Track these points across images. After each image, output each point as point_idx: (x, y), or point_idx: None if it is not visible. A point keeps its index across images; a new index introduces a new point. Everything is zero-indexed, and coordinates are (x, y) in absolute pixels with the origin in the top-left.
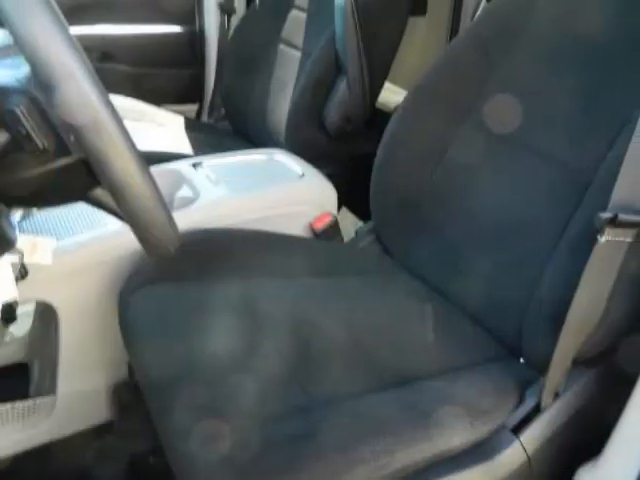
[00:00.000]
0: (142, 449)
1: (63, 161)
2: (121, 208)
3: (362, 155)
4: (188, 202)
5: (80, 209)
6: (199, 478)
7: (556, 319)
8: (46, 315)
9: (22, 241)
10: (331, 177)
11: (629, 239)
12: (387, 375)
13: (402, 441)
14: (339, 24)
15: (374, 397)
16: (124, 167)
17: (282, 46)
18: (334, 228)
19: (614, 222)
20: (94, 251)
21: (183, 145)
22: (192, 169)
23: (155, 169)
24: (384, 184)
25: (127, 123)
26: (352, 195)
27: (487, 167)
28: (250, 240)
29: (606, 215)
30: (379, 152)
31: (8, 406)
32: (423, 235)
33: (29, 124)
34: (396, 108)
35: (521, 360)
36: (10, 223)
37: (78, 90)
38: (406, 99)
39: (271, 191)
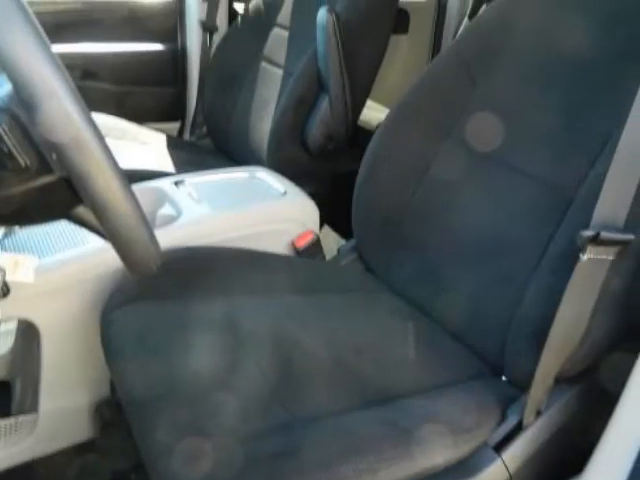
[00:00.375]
0: (124, 467)
1: (45, 179)
2: (103, 226)
3: (344, 173)
4: (170, 220)
5: (62, 227)
6: None
7: (538, 337)
8: (28, 333)
9: (4, 259)
10: (313, 195)
11: (611, 257)
12: (369, 393)
13: (384, 459)
14: (321, 42)
15: (356, 415)
16: (106, 185)
17: (264, 64)
18: (316, 246)
19: (596, 240)
20: (76, 269)
21: (165, 163)
22: (174, 187)
23: (137, 187)
24: (366, 202)
25: (109, 141)
26: (334, 213)
27: (469, 185)
28: (232, 258)
29: (588, 233)
30: (361, 170)
31: None
32: (405, 253)
33: (11, 142)
34: (378, 126)
35: (503, 378)
36: None
37: (60, 108)
38: (388, 117)
39: (253, 209)
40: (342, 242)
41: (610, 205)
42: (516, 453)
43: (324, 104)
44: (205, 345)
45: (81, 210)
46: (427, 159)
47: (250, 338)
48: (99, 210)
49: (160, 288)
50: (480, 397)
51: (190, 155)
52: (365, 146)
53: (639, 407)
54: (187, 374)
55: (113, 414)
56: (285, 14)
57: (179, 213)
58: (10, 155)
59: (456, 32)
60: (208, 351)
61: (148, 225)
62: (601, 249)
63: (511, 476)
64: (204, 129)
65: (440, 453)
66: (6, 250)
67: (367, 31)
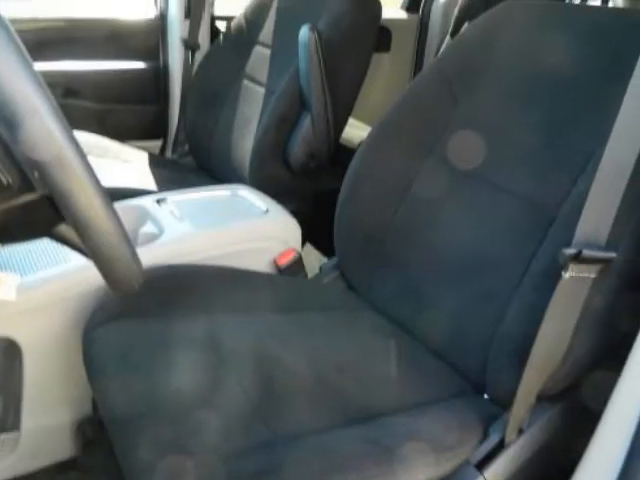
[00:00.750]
0: None
1: (27, 197)
2: (85, 244)
3: (326, 191)
4: (152, 238)
5: (44, 245)
6: None
7: (520, 355)
8: (10, 351)
9: None
10: (295, 213)
11: (593, 275)
12: (351, 411)
13: (366, 477)
14: (303, 60)
15: (338, 433)
16: (88, 203)
17: (246, 82)
18: (298, 264)
19: (578, 258)
20: (58, 287)
21: (147, 181)
22: (156, 205)
23: (119, 205)
24: (348, 220)
25: (91, 159)
26: (316, 231)
27: (451, 203)
28: (214, 276)
29: (570, 251)
30: (343, 188)
31: None
32: (387, 271)
33: None
34: (360, 144)
35: (485, 396)
36: None
37: (42, 126)
38: (370, 135)
39: (235, 227)
40: (324, 260)
41: (592, 223)
42: (498, 471)
43: (306, 122)
44: (187, 363)
45: (63, 228)
46: (409, 177)
47: (232, 356)
48: (81, 228)
49: (142, 306)
50: (462, 415)
51: (172, 173)
52: (347, 164)
53: (621, 425)
54: (169, 392)
55: (95, 432)
56: (267, 32)
57: (161, 231)
58: None
59: (438, 50)
60: (190, 369)
61: (130, 243)
62: (583, 267)
63: None
64: (186, 147)
65: (422, 471)
66: None
67: (349, 49)
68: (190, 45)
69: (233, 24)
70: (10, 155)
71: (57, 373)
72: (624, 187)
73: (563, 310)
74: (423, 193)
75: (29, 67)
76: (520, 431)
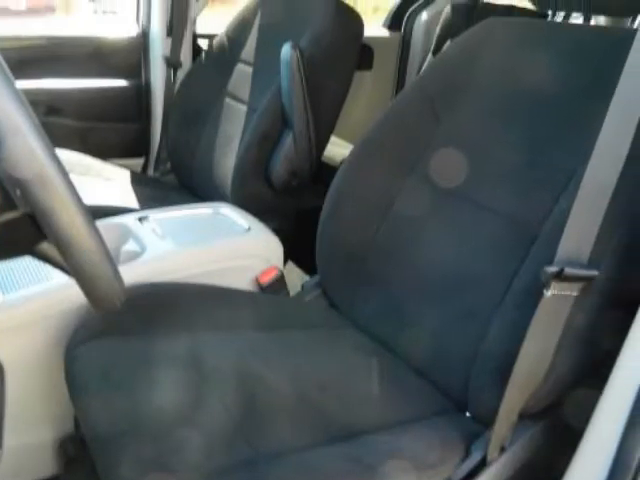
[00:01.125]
0: None
1: (9, 215)
2: (67, 262)
3: (308, 209)
4: (134, 256)
5: (26, 263)
6: None
7: (502, 373)
8: None
9: None
10: (277, 231)
11: (575, 293)
12: (333, 429)
13: None
14: (285, 78)
15: (320, 451)
16: (70, 221)
17: (228, 100)
18: (280, 282)
19: (560, 276)
20: (40, 305)
21: (129, 199)
22: (138, 223)
23: (101, 223)
24: (330, 238)
25: (73, 177)
26: (298, 249)
27: (433, 221)
28: (196, 294)
29: (552, 269)
30: (325, 206)
31: None
32: (369, 289)
33: None
34: (342, 162)
35: (467, 414)
36: None
37: (24, 144)
38: (352, 153)
39: (217, 245)
40: (306, 278)
41: (574, 241)
42: None
43: (288, 140)
44: (169, 381)
45: (45, 246)
46: (391, 195)
47: (214, 374)
48: (63, 246)
49: (124, 324)
50: (444, 433)
51: (154, 191)
52: (329, 182)
53: (603, 443)
54: (151, 410)
55: (77, 450)
56: (249, 50)
57: (143, 249)
58: None
59: (420, 68)
60: (172, 387)
61: (112, 261)
62: (565, 285)
63: None
64: (168, 165)
65: None
66: None
67: (331, 67)
68: (172, 63)
69: (215, 42)
70: None
71: (39, 391)
72: (606, 205)
73: (545, 328)
74: (405, 211)
75: (11, 85)
76: (502, 449)
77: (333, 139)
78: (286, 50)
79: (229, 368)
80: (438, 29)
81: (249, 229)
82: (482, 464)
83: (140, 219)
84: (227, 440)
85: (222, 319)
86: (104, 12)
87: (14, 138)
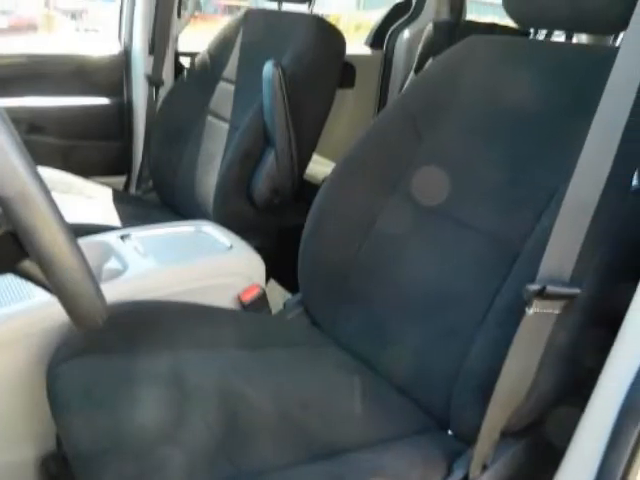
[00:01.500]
0: None
1: None
2: (49, 280)
3: (290, 227)
4: (116, 274)
5: (8, 281)
6: None
7: (484, 391)
8: None
9: None
10: (259, 249)
11: (557, 311)
12: (315, 447)
13: None
14: (267, 96)
15: (302, 469)
16: (52, 239)
17: (210, 118)
18: (262, 300)
19: (542, 294)
20: (22, 323)
21: (111, 217)
22: (120, 241)
23: (83, 241)
24: (312, 256)
25: (55, 195)
26: (280, 267)
27: (415, 239)
28: (178, 312)
29: (534, 287)
30: (307, 224)
31: None
32: (351, 307)
33: None
34: (324, 180)
35: (449, 432)
36: None
37: (6, 162)
38: (334, 171)
39: (199, 263)
40: (288, 296)
41: (556, 259)
42: None
43: (270, 158)
44: (151, 399)
45: (27, 264)
46: (373, 213)
47: (196, 392)
48: (45, 264)
49: (106, 342)
50: (426, 451)
51: (136, 209)
52: (311, 200)
53: (585, 461)
54: (133, 428)
55: (59, 468)
56: (231, 68)
57: (125, 267)
58: None
59: (402, 86)
60: (154, 405)
61: (94, 279)
62: (547, 303)
63: None
64: (150, 183)
65: None
66: None
67: (313, 85)
68: (154, 81)
69: (197, 60)
70: None
71: (21, 409)
72: (588, 223)
73: (527, 346)
74: (387, 229)
75: None
76: (484, 467)
77: (315, 157)
78: (268, 68)
79: (211, 386)
80: (420, 47)
81: (231, 247)
82: None
83: (122, 237)
84: (209, 458)
85: (204, 337)
86: (86, 30)
87: None
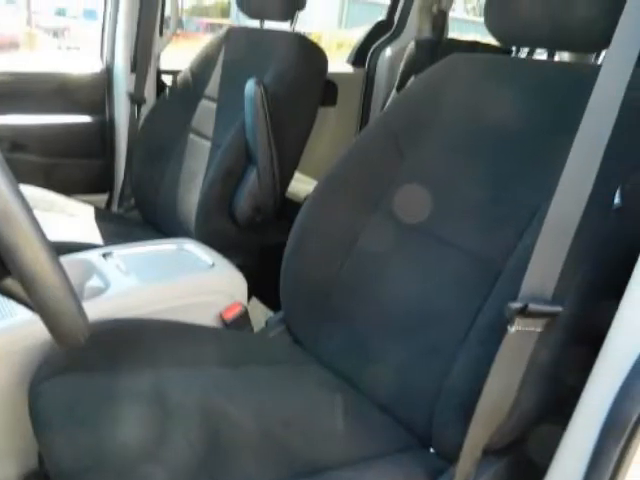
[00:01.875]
0: None
1: None
2: (31, 298)
3: (272, 245)
4: (98, 292)
5: None
6: None
7: (466, 409)
8: None
9: None
10: (241, 267)
11: (539, 329)
12: (297, 465)
13: None
14: (249, 114)
15: None
16: (34, 257)
17: (192, 136)
18: (244, 318)
19: (524, 312)
20: (4, 341)
21: (93, 235)
22: (102, 259)
23: (65, 259)
24: (294, 274)
25: (37, 213)
26: (262, 285)
27: (397, 257)
28: (160, 330)
29: (516, 305)
30: (289, 242)
31: None
32: (333, 325)
33: None
34: (306, 198)
35: (431, 450)
36: None
37: None
38: (316, 189)
39: (181, 281)
40: (270, 314)
41: (538, 277)
42: None
43: (252, 176)
44: (133, 417)
45: (9, 282)
46: (355, 231)
47: (178, 410)
48: (27, 282)
49: (88, 360)
50: (408, 469)
51: (118, 227)
52: (293, 218)
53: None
54: (115, 446)
55: None
56: (213, 86)
57: (107, 285)
58: None
59: (384, 104)
60: (136, 423)
61: (76, 297)
62: (529, 321)
63: None
64: (132, 201)
65: None
66: None
67: (295, 103)
68: (136, 99)
69: (179, 78)
70: None
71: (3, 427)
72: (570, 241)
73: (509, 364)
74: (369, 247)
75: None
76: None
77: (297, 175)
78: (250, 86)
79: (193, 404)
80: (402, 65)
81: (213, 265)
82: None
83: (104, 255)
84: (191, 476)
85: (186, 355)
86: (68, 48)
87: None
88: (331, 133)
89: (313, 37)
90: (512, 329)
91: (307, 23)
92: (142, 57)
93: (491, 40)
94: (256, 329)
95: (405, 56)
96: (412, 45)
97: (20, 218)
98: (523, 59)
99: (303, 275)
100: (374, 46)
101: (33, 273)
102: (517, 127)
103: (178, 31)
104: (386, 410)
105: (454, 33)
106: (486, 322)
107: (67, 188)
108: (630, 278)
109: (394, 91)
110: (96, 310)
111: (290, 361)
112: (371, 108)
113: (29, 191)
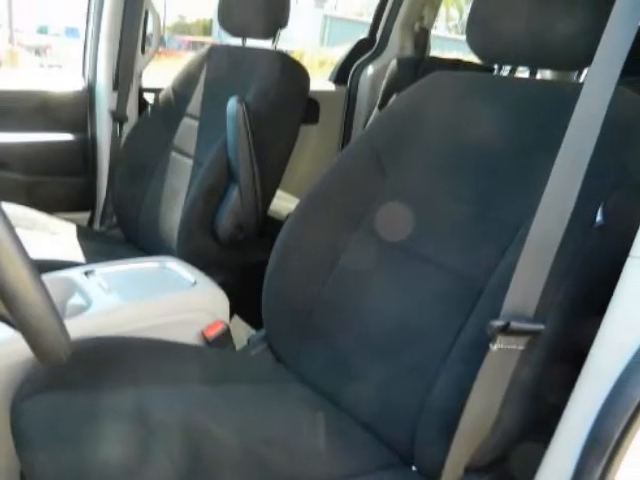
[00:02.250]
0: None
1: None
2: (13, 315)
3: (254, 263)
4: (80, 310)
5: None
6: None
7: (448, 426)
8: None
9: None
10: (223, 285)
11: (521, 347)
12: None
13: None
14: (231, 132)
15: None
16: (16, 275)
17: (174, 154)
18: (226, 336)
19: (506, 330)
20: None
21: (75, 253)
22: (84, 277)
23: (47, 277)
24: (276, 292)
25: (19, 231)
26: (244, 303)
27: (379, 275)
28: (142, 348)
29: (498, 323)
30: (271, 260)
31: None
32: (315, 343)
33: None
34: (288, 216)
35: (413, 468)
36: None
37: None
38: (298, 207)
39: (163, 299)
40: (252, 332)
41: (520, 295)
42: None
43: (234, 194)
44: (115, 435)
45: None
46: (337, 249)
47: (160, 428)
48: (9, 300)
49: (70, 378)
50: None
51: (100, 245)
52: (275, 236)
53: None
54: (97, 464)
55: None
56: (195, 104)
57: (89, 303)
58: None
59: (366, 122)
60: (118, 441)
61: (58, 315)
62: (511, 339)
63: None
64: (114, 219)
65: None
66: None
67: (277, 121)
68: (118, 117)
69: (161, 96)
70: None
71: None
72: (552, 259)
73: (491, 382)
74: (351, 265)
75: None
76: None
77: (279, 193)
78: (232, 104)
79: (175, 422)
80: (384, 83)
81: (195, 283)
82: None
83: (86, 273)
84: None
85: (168, 373)
86: (50, 66)
87: None
88: (313, 151)
89: (295, 55)
90: (494, 347)
91: (289, 41)
92: (124, 75)
93: (473, 58)
94: (238, 347)
95: (387, 74)
96: (394, 63)
97: (2, 236)
98: (505, 77)
99: (285, 293)
100: (356, 64)
101: (15, 291)
102: (499, 145)
103: (160, 49)
104: (368, 428)
105: (436, 51)
106: (468, 340)
107: (49, 206)
108: (612, 296)
109: (376, 109)
110: (78, 328)
111: (272, 379)
112: (353, 126)
113: (11, 209)
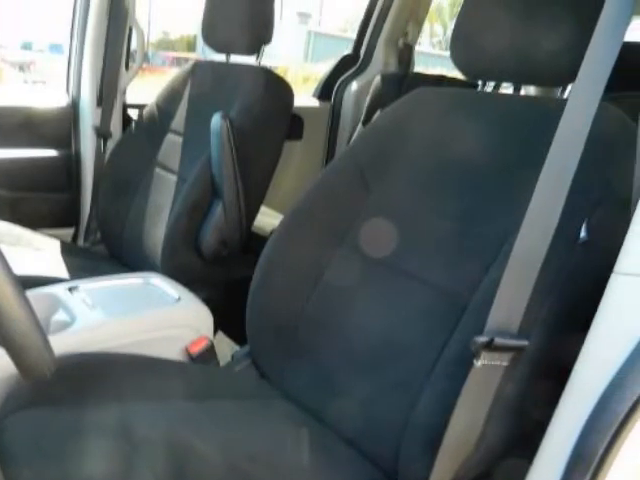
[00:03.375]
0: None
1: None
2: None
3: (238, 279)
4: (64, 326)
5: None
6: None
7: (432, 442)
8: None
9: None
10: (207, 301)
11: (505, 363)
12: None
13: None
14: (215, 148)
15: None
16: (0, 291)
17: (158, 170)
18: (210, 352)
19: (490, 346)
20: None
21: (59, 269)
22: (68, 293)
23: (31, 293)
24: (260, 308)
25: (3, 247)
26: (228, 319)
27: (363, 291)
28: (126, 364)
29: (482, 339)
30: (255, 276)
31: None
32: (299, 359)
33: None
34: (272, 232)
35: None
36: None
37: None
38: (282, 223)
39: (147, 315)
40: (236, 348)
41: (504, 311)
42: None
43: (218, 210)
44: (99, 451)
45: None
46: (321, 265)
47: (144, 444)
48: None
49: (54, 394)
50: None
51: (84, 261)
52: (259, 252)
53: None
54: None
55: None
56: (179, 120)
57: (73, 319)
58: None
59: (350, 138)
60: (102, 457)
61: (42, 331)
62: (495, 355)
63: None
64: (98, 235)
65: None
66: None
67: (261, 137)
68: (102, 133)
69: (145, 112)
70: None
71: None
72: (536, 275)
73: (475, 398)
74: (335, 281)
75: None
76: None
77: (263, 209)
78: (216, 120)
79: (159, 438)
80: (368, 99)
81: (179, 299)
82: None
83: (70, 289)
84: None
85: (152, 389)
86: (34, 82)
87: None
88: (297, 167)
89: (279, 71)
90: (478, 363)
91: (273, 57)
92: (108, 91)
93: (457, 74)
94: (222, 363)
95: (371, 90)
96: (378, 79)
97: None
98: (489, 93)
99: (269, 309)
100: (340, 80)
101: None
102: (483, 161)
103: (144, 65)
104: (352, 444)
105: (420, 67)
106: (452, 356)
107: (33, 222)
108: (596, 312)
109: (360, 125)
110: (62, 344)
111: (256, 395)
112: (337, 142)
113: None
